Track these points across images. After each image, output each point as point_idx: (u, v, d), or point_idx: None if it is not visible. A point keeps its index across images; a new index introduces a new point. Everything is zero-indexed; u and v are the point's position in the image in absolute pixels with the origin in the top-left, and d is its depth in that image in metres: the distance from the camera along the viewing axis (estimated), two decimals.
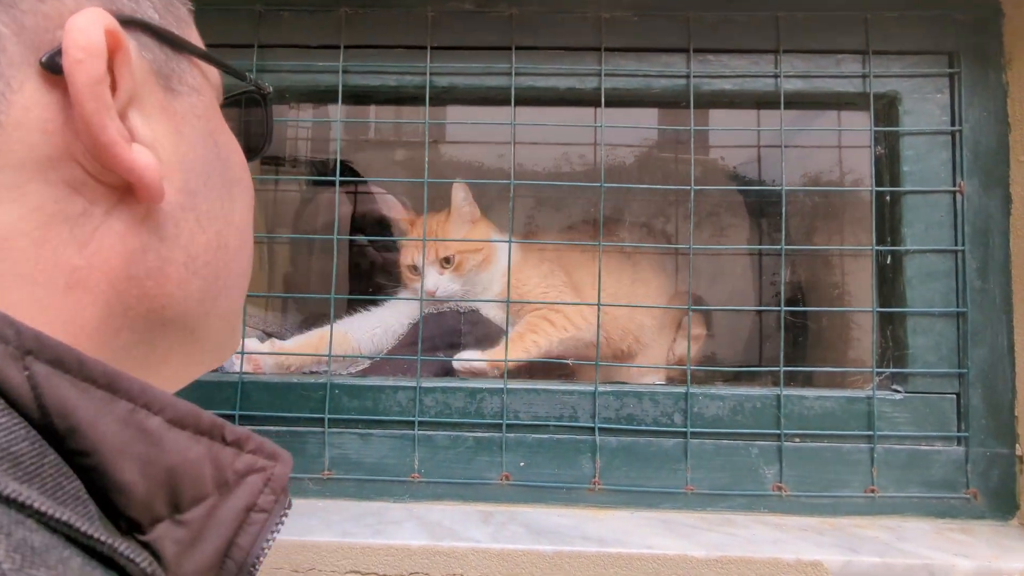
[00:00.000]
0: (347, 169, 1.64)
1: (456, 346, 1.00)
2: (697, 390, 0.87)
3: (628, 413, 0.88)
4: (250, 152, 0.46)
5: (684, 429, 0.86)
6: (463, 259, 1.03)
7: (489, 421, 0.87)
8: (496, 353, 0.94)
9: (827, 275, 1.51)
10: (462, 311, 1.01)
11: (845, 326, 1.29)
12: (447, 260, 1.03)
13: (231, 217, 0.39)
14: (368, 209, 1.70)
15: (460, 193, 1.05)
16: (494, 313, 1.03)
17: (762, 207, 1.63)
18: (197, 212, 0.36)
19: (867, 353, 0.91)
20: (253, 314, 1.26)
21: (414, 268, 1.06)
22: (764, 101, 0.94)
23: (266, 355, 0.96)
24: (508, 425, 0.87)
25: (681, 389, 0.88)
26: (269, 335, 1.33)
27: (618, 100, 0.93)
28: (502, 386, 0.87)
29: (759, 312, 1.58)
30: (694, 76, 0.91)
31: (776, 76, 0.91)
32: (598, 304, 0.90)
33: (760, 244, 1.57)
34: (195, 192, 0.36)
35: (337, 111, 0.91)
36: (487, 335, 1.00)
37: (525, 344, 0.96)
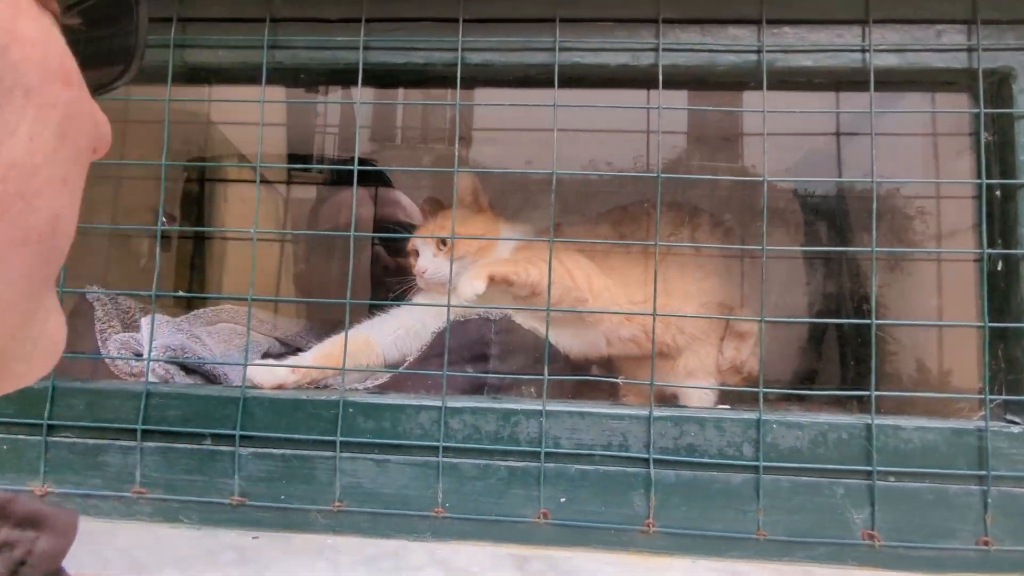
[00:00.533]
0: (369, 167, 1.54)
1: (484, 359, 0.88)
2: (771, 416, 0.74)
3: (688, 443, 0.75)
4: (110, 67, 0.31)
5: (756, 463, 0.73)
6: (457, 244, 0.93)
7: (525, 448, 0.75)
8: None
9: (858, 286, 1.37)
10: (493, 318, 0.89)
11: (881, 340, 1.14)
12: (443, 242, 0.96)
13: None
14: (388, 213, 1.61)
15: (463, 182, 0.98)
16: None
17: (818, 207, 1.50)
18: None
19: (902, 370, 0.77)
20: (264, 319, 1.16)
21: (416, 254, 1.00)
22: (849, 80, 0.81)
23: (281, 371, 0.85)
24: (547, 453, 0.75)
25: (752, 415, 0.74)
26: (283, 343, 1.23)
27: (677, 80, 0.81)
28: (540, 408, 0.75)
29: (813, 324, 1.44)
30: (767, 51, 0.79)
31: (864, 51, 0.78)
32: (653, 314, 0.77)
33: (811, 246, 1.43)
34: None
35: (357, 93, 0.80)
36: (520, 346, 0.88)
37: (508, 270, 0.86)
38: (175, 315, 1.13)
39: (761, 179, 0.76)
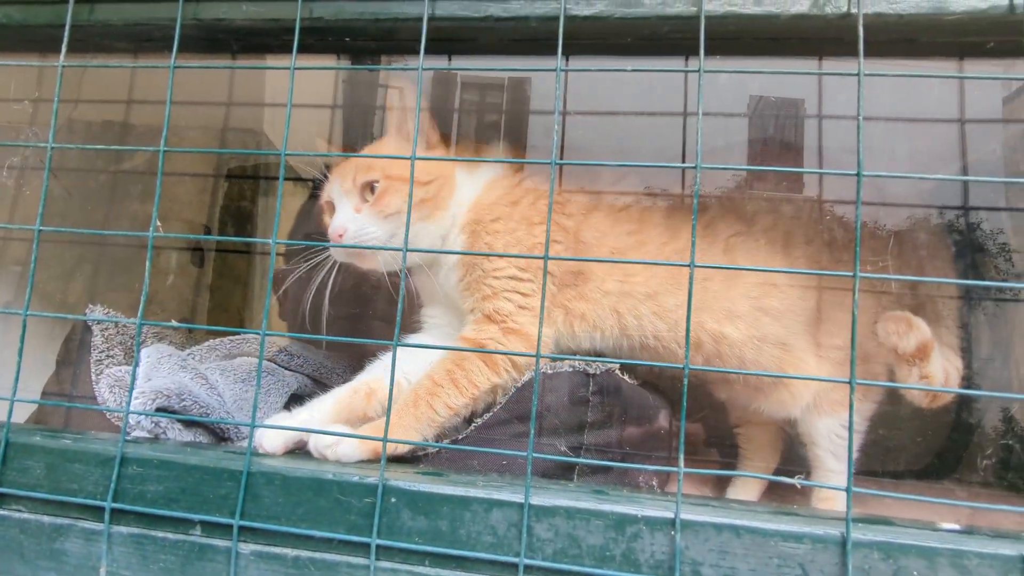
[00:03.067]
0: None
1: (580, 428, 0.63)
2: None
3: None
4: None
5: None
6: (390, 188, 0.66)
7: None
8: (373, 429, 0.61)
9: None
10: (591, 372, 0.64)
11: None
12: (371, 189, 0.68)
13: None
14: None
15: (397, 98, 0.71)
16: (462, 303, 0.70)
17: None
18: None
19: None
20: (295, 352, 0.94)
21: (331, 210, 0.71)
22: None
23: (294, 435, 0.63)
24: None
25: (1015, 550, 0.47)
26: (317, 381, 1.01)
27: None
28: (672, 516, 0.50)
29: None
30: None
31: None
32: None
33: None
34: None
35: (419, 60, 0.58)
36: (634, 412, 0.64)
37: (419, 413, 0.62)
38: (199, 342, 0.94)
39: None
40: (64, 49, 0.62)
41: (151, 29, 0.66)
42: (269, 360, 0.94)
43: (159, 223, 0.60)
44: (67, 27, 0.63)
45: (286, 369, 0.94)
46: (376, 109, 1.22)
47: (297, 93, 0.58)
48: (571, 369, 0.64)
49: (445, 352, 0.67)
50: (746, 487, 0.88)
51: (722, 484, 0.89)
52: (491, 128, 1.19)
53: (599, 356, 0.69)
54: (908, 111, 0.87)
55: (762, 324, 0.69)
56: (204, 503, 0.56)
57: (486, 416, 0.67)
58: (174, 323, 0.75)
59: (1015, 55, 0.54)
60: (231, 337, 0.94)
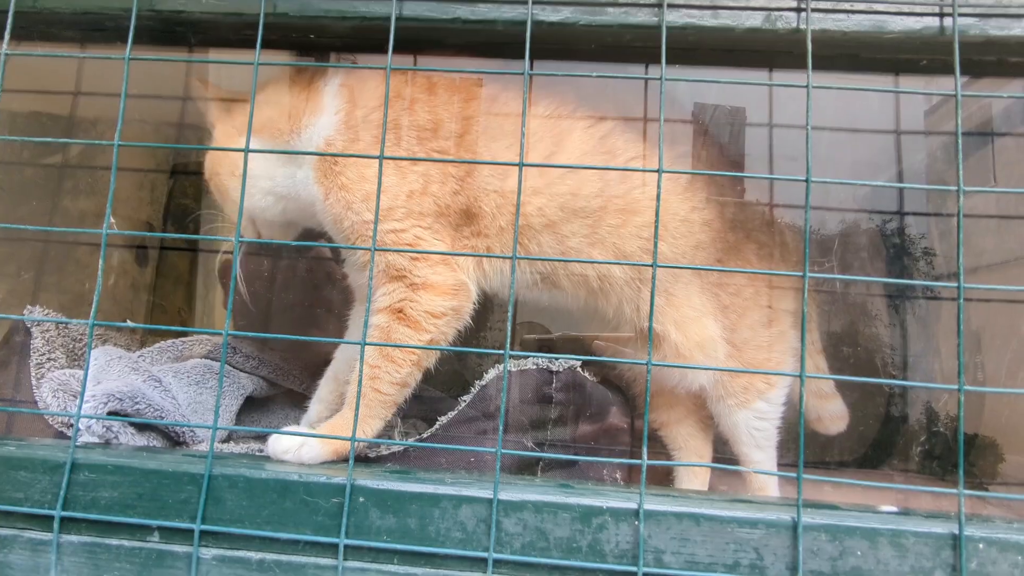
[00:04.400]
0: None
1: (545, 425, 0.65)
2: (978, 532, 0.51)
3: (853, 566, 0.51)
4: None
5: None
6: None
7: (614, 567, 0.52)
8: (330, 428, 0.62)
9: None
10: (555, 370, 0.66)
11: None
12: None
13: None
14: None
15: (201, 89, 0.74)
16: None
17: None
18: None
19: None
20: (249, 354, 0.92)
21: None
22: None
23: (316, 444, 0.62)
24: (646, 575, 0.51)
25: (945, 528, 0.51)
26: (272, 384, 0.99)
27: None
28: (635, 506, 0.52)
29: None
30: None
31: None
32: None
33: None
34: None
35: (388, 59, 0.58)
36: (595, 408, 0.65)
37: (368, 401, 0.63)
38: (151, 345, 0.90)
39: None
40: (7, 36, 0.59)
41: (102, 19, 0.63)
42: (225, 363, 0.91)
43: (112, 220, 0.58)
44: (10, 14, 0.60)
45: (241, 371, 0.92)
46: None
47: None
48: (536, 367, 0.66)
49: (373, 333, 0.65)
50: (692, 481, 0.89)
51: (669, 479, 0.91)
52: None
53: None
54: (846, 122, 0.93)
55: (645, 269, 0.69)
56: (162, 508, 0.55)
57: (451, 414, 0.67)
58: (130, 323, 0.72)
59: (944, 73, 0.58)
60: (182, 338, 0.91)
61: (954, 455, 1.05)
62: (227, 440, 0.85)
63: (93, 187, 1.35)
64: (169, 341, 0.87)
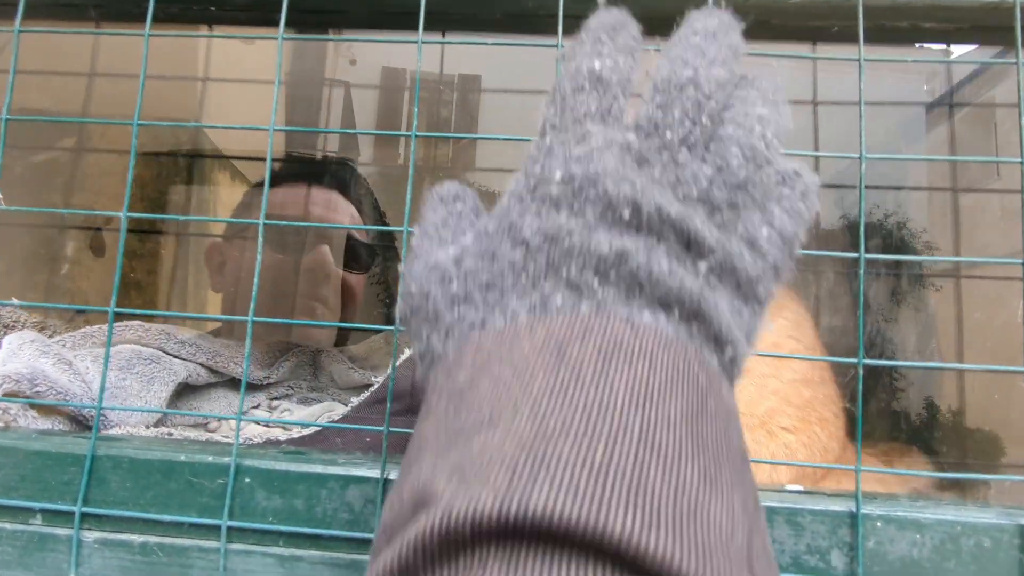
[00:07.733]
0: (347, 167, 1.30)
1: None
2: (877, 510, 0.49)
3: None
4: None
5: None
6: None
7: None
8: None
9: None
10: None
11: None
12: None
13: None
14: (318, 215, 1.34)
15: None
16: None
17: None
18: None
19: None
20: (185, 340, 0.91)
21: None
22: None
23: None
24: None
25: (843, 507, 0.49)
26: (213, 371, 0.97)
27: None
28: None
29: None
30: None
31: None
32: None
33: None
34: None
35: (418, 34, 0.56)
36: None
37: None
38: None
39: None
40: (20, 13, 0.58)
41: None
42: (156, 348, 0.90)
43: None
44: None
45: (175, 357, 0.91)
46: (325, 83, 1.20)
47: (238, 70, 0.55)
48: None
49: None
50: None
51: None
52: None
53: None
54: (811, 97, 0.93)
55: None
56: (46, 490, 0.53)
57: (363, 396, 0.66)
58: (16, 301, 0.70)
59: (854, 41, 0.57)
60: (116, 324, 0.89)
61: (951, 448, 1.04)
62: (157, 426, 0.83)
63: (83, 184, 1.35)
64: (96, 327, 0.85)
